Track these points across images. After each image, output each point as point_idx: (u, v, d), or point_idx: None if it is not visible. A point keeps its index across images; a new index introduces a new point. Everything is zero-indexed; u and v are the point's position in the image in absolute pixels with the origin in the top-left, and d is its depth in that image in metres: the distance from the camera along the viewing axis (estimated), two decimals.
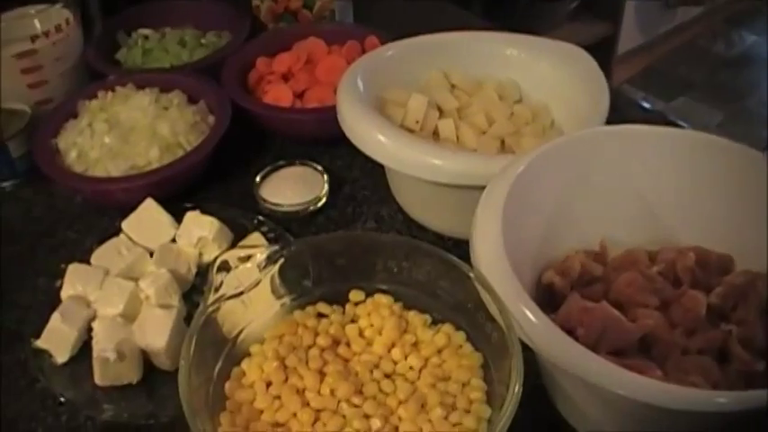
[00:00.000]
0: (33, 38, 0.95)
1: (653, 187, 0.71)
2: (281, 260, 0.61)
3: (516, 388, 0.50)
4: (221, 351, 0.59)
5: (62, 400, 0.69)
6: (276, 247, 0.61)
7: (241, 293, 0.59)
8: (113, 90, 0.93)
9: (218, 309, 0.57)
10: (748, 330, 0.62)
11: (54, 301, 0.75)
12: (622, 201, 0.71)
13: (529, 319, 0.54)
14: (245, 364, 0.59)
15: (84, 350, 0.72)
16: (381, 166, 0.87)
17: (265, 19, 1.11)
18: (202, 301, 0.56)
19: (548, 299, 0.66)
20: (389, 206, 0.88)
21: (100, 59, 1.02)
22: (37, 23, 0.98)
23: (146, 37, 1.07)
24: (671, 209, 0.71)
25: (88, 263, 0.78)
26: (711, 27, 2.89)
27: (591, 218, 0.70)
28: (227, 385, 0.58)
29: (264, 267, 0.60)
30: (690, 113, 2.53)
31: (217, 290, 0.58)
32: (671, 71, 2.68)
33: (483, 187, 0.66)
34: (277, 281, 0.62)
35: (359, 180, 0.91)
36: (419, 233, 0.83)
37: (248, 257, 0.60)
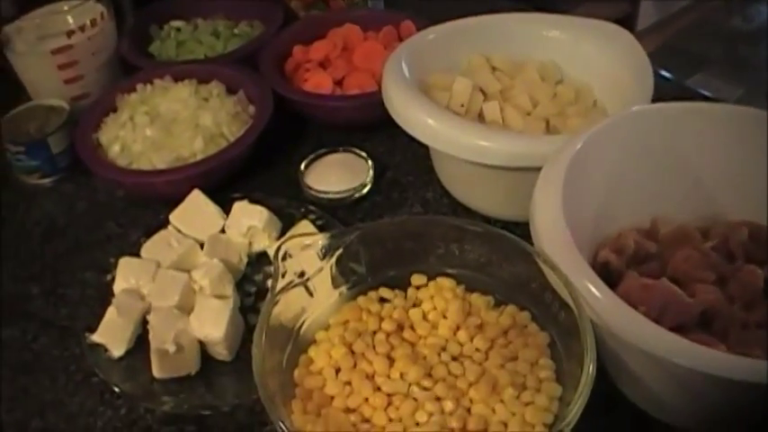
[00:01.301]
0: (69, 33, 0.95)
1: (702, 163, 0.71)
2: (342, 247, 0.61)
3: (591, 367, 0.50)
4: (288, 339, 0.59)
5: (120, 393, 0.69)
6: (336, 234, 0.61)
7: (307, 280, 0.59)
8: (151, 83, 0.93)
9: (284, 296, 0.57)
10: None
11: (104, 296, 0.75)
12: (672, 177, 0.71)
13: (595, 294, 0.54)
14: (312, 351, 0.60)
15: (138, 343, 0.72)
16: (424, 151, 0.87)
17: (296, 7, 1.11)
18: (270, 289, 0.57)
19: (604, 277, 0.66)
20: (434, 190, 0.88)
21: (134, 53, 1.02)
22: (70, 19, 0.98)
23: (178, 29, 1.07)
24: (720, 184, 0.71)
25: (136, 256, 0.78)
26: (728, 1, 2.87)
27: (641, 195, 0.70)
28: (296, 372, 0.58)
29: (326, 255, 0.60)
30: (708, 89, 2.52)
31: (282, 277, 0.58)
32: (688, 47, 2.67)
33: (531, 169, 0.66)
34: (335, 268, 0.62)
35: (402, 165, 0.91)
36: (466, 216, 0.83)
37: (309, 245, 0.60)
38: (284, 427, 0.49)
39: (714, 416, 0.62)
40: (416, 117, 0.74)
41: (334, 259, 0.61)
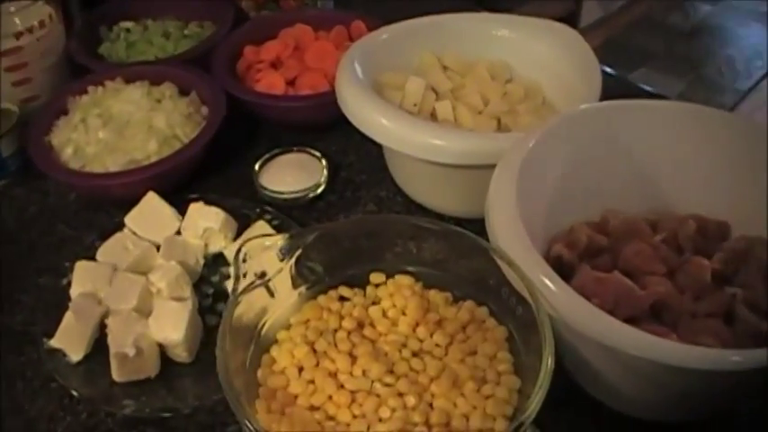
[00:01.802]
0: (17, 35, 0.94)
1: (649, 158, 0.73)
2: (301, 248, 0.61)
3: (550, 360, 0.52)
4: (250, 339, 0.59)
5: (79, 398, 0.69)
6: (295, 235, 0.62)
7: (268, 281, 0.59)
8: (103, 85, 0.93)
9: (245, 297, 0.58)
10: (752, 293, 0.65)
11: (61, 300, 0.75)
12: (621, 172, 0.73)
13: (551, 288, 0.56)
14: (274, 351, 0.60)
15: (97, 347, 0.72)
16: (377, 150, 0.88)
17: (247, 7, 1.11)
18: (232, 291, 0.57)
19: (557, 271, 0.67)
20: (388, 188, 0.89)
21: (84, 54, 1.01)
22: (18, 20, 0.97)
23: (127, 30, 1.07)
24: (668, 178, 0.74)
25: (92, 260, 0.78)
26: None
27: (592, 190, 0.72)
28: (260, 372, 0.59)
29: (285, 255, 0.61)
30: (651, 83, 2.56)
31: (243, 278, 0.58)
32: (630, 43, 2.71)
33: (484, 166, 0.67)
34: (294, 269, 0.63)
35: (355, 164, 0.92)
36: (420, 214, 0.84)
37: (269, 246, 0.60)
38: (251, 427, 0.49)
39: (668, 404, 0.65)
40: (371, 117, 0.75)
41: (293, 260, 0.61)
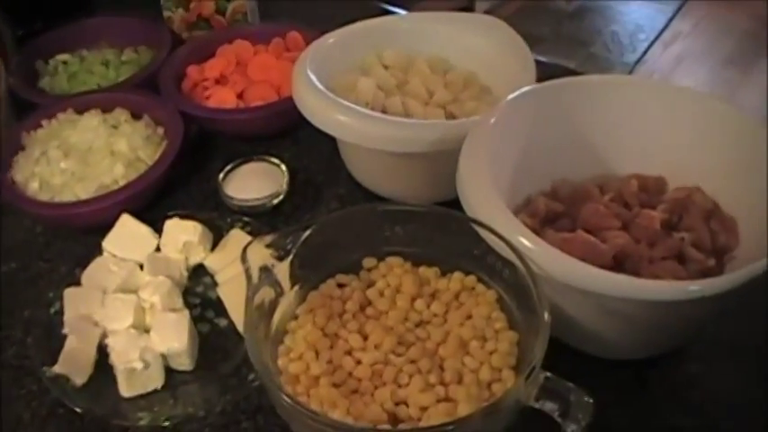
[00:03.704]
0: None
1: (590, 129, 0.80)
2: (298, 244, 0.66)
3: (546, 315, 0.58)
4: (266, 334, 0.63)
5: (92, 418, 0.71)
6: (290, 232, 0.66)
7: (274, 278, 0.64)
8: (56, 117, 0.94)
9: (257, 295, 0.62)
10: (696, 235, 0.73)
11: (51, 330, 0.77)
12: (567, 144, 0.80)
13: (530, 247, 0.62)
14: (288, 341, 0.65)
15: (96, 368, 0.74)
16: (329, 151, 0.94)
17: (178, 29, 1.14)
18: (247, 288, 0.61)
19: None
20: (346, 185, 0.94)
21: (27, 89, 1.02)
22: None
23: (65, 62, 1.08)
24: (607, 145, 0.81)
25: (75, 286, 0.80)
26: None
27: (544, 162, 0.79)
28: (280, 362, 0.63)
29: (284, 252, 0.65)
30: None
31: (251, 279, 0.62)
32: (520, 28, 2.84)
33: (441, 153, 0.74)
34: (293, 264, 0.67)
35: (310, 167, 0.97)
36: None
37: (268, 245, 0.65)
38: (290, 402, 0.53)
39: (637, 341, 0.72)
40: (333, 117, 0.79)
41: (291, 255, 0.66)
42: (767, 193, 0.68)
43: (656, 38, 2.88)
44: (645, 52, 2.81)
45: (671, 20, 2.97)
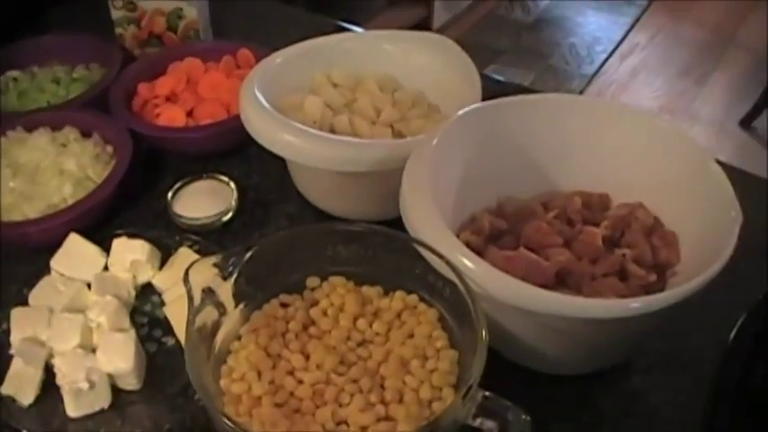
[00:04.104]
0: None
1: (533, 147, 0.82)
2: (241, 264, 0.66)
3: (484, 331, 0.59)
4: (208, 355, 0.64)
5: None
6: (234, 252, 0.66)
7: (216, 299, 0.64)
8: (5, 135, 0.94)
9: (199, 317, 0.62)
10: (638, 251, 0.75)
11: None
12: (511, 162, 0.81)
13: (470, 267, 0.63)
14: (231, 361, 0.65)
15: (43, 388, 0.74)
16: (278, 170, 0.94)
17: (131, 46, 1.14)
18: (189, 310, 0.61)
19: None
20: (295, 203, 0.94)
21: None
22: None
23: (15, 79, 1.08)
24: (551, 163, 0.83)
25: (23, 306, 0.80)
26: None
27: (488, 180, 0.80)
28: (222, 382, 0.63)
29: (228, 272, 0.66)
30: (503, 77, 2.73)
31: (193, 299, 0.63)
32: (481, 41, 2.88)
33: (388, 171, 0.75)
34: (237, 284, 0.67)
35: (260, 185, 0.97)
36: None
37: (211, 266, 0.65)
38: (230, 425, 0.54)
39: (578, 357, 0.74)
40: (279, 137, 0.80)
41: (235, 275, 0.66)
42: (714, 211, 0.70)
43: (614, 50, 2.93)
44: (602, 64, 2.85)
45: (628, 32, 3.02)
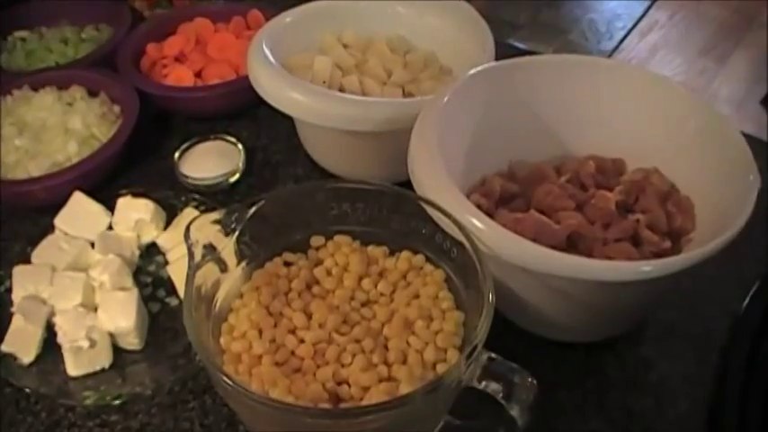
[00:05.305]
0: None
1: (547, 109, 0.79)
2: (244, 221, 0.65)
3: (491, 295, 0.57)
4: (208, 312, 0.62)
5: (39, 396, 0.71)
6: (236, 209, 0.65)
7: (218, 255, 0.63)
8: (11, 94, 0.93)
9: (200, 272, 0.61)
10: (652, 217, 0.73)
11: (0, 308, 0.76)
12: (523, 124, 0.79)
13: (479, 227, 0.61)
14: (232, 319, 0.63)
15: (45, 347, 0.74)
16: (287, 130, 0.93)
17: (140, 7, 1.13)
18: (189, 266, 0.60)
19: None
20: (303, 165, 0.93)
21: None
22: None
23: (23, 39, 1.07)
24: (564, 126, 0.80)
25: (26, 264, 0.79)
26: None
27: (499, 143, 0.78)
28: (222, 340, 0.62)
29: (230, 229, 0.64)
30: None
31: (194, 256, 0.61)
32: (497, 15, 2.83)
33: (396, 132, 0.73)
34: (240, 241, 0.66)
35: (268, 146, 0.96)
36: None
37: (214, 222, 0.64)
38: (228, 382, 0.52)
39: (588, 323, 0.72)
40: (287, 95, 0.78)
41: (237, 233, 0.65)
42: (730, 177, 0.68)
43: (634, 26, 2.89)
44: (622, 41, 2.81)
45: (648, 9, 2.97)
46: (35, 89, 0.94)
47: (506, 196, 0.76)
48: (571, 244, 0.70)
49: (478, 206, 0.72)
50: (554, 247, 0.67)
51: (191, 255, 0.61)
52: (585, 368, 0.72)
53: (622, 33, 2.85)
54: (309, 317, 0.63)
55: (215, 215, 0.63)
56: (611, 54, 2.74)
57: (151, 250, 0.83)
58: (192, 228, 0.62)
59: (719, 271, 0.73)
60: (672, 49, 2.79)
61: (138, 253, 0.81)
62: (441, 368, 0.59)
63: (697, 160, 0.74)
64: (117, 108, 0.93)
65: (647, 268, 0.60)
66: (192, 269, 0.60)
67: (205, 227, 0.63)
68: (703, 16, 2.95)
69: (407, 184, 0.68)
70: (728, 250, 0.61)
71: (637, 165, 0.78)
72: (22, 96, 0.93)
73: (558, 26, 2.88)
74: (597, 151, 0.80)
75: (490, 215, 0.71)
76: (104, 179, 0.89)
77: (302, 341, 0.61)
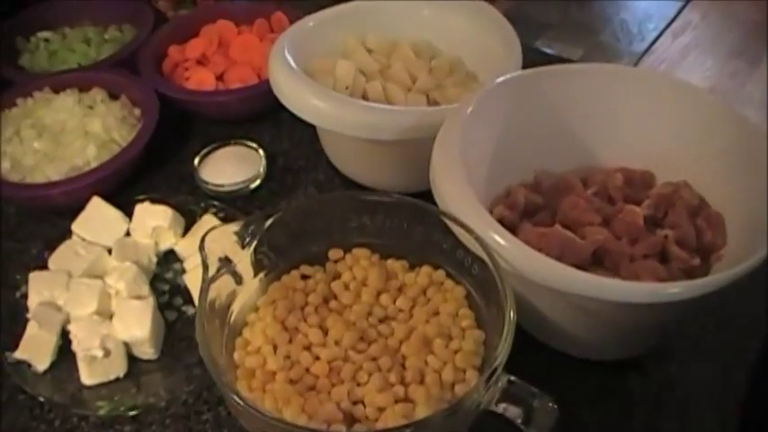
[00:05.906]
0: None
1: (575, 119, 0.77)
2: (261, 232, 0.63)
3: (512, 311, 0.55)
4: (222, 325, 0.61)
5: (52, 405, 0.70)
6: (253, 220, 0.63)
7: (233, 268, 0.61)
8: (32, 96, 0.92)
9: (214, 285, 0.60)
10: (681, 232, 0.70)
11: (15, 314, 0.75)
12: (550, 134, 0.77)
13: (502, 244, 0.60)
14: (247, 333, 0.62)
15: (60, 354, 0.73)
16: (309, 136, 0.91)
17: (164, 8, 1.12)
18: (202, 280, 0.59)
19: None
20: (325, 171, 0.91)
21: (5, 66, 1.00)
22: None
23: (46, 40, 1.06)
24: (592, 137, 0.78)
25: (43, 269, 0.78)
26: None
27: (525, 153, 0.76)
28: (236, 355, 0.61)
29: (246, 241, 0.63)
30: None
31: (209, 268, 0.60)
32: (527, 15, 2.80)
33: (419, 140, 0.71)
34: (256, 253, 0.65)
35: (290, 151, 0.95)
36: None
37: (230, 233, 0.62)
38: (239, 401, 0.51)
39: (613, 342, 0.70)
40: (308, 101, 0.77)
41: (254, 245, 0.64)
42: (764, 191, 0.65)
43: (666, 27, 2.84)
44: (653, 42, 2.76)
45: (681, 10, 2.92)
46: (56, 91, 0.93)
47: (531, 208, 0.74)
48: (597, 260, 0.68)
49: (502, 219, 0.71)
50: (579, 264, 0.66)
51: (205, 268, 0.60)
52: (608, 388, 0.70)
53: (654, 34, 2.80)
54: (326, 332, 0.61)
55: (231, 227, 0.62)
56: (642, 55, 2.70)
57: (169, 257, 0.82)
58: (207, 240, 0.61)
59: (750, 285, 0.71)
60: (704, 51, 2.74)
61: (155, 260, 0.80)
62: (459, 389, 0.58)
63: (728, 173, 0.71)
64: (137, 111, 0.92)
65: (675, 290, 0.57)
66: (206, 282, 0.59)
67: (221, 238, 0.62)
68: (736, 17, 2.90)
69: (430, 194, 0.66)
70: (760, 267, 0.58)
71: (666, 177, 0.76)
72: (43, 98, 0.92)
73: (589, 26, 2.84)
74: (625, 162, 0.77)
75: (514, 228, 0.70)
76: (123, 183, 0.88)
77: (317, 358, 0.60)
